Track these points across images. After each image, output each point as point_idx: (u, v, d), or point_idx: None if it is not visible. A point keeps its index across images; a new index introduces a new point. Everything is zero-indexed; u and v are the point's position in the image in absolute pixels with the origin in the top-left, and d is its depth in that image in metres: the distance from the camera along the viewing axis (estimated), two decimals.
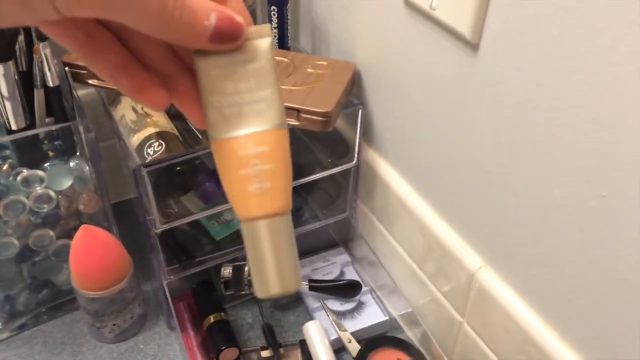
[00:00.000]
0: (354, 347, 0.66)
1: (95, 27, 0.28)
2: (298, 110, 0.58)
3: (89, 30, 0.28)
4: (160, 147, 0.59)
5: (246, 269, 0.68)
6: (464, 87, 0.50)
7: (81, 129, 0.62)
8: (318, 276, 0.74)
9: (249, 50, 0.29)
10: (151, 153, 0.58)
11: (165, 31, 0.26)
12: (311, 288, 0.71)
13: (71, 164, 0.64)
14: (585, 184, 0.41)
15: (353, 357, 0.65)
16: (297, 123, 0.59)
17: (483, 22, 0.45)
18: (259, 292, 0.29)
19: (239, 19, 0.27)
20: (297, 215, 0.76)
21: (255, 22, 0.72)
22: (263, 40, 0.29)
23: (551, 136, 0.42)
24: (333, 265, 0.76)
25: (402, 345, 0.65)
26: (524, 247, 0.49)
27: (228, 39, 0.27)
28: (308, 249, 0.78)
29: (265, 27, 0.29)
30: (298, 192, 0.76)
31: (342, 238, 0.80)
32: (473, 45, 0.47)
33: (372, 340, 0.66)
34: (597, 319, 0.44)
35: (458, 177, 0.55)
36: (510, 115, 0.46)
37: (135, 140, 0.60)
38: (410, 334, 0.70)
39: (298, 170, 0.69)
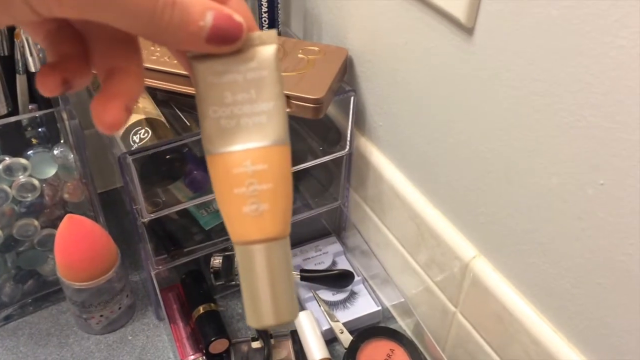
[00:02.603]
0: (346, 338, 0.65)
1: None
2: (288, 97, 0.56)
3: (62, 24, 0.26)
4: (146, 135, 0.57)
5: (236, 259, 0.66)
6: (459, 73, 0.48)
7: (65, 115, 0.60)
8: (310, 266, 0.73)
9: (251, 57, 0.26)
10: (137, 140, 0.57)
11: (155, 33, 0.24)
12: (303, 278, 0.70)
13: (55, 152, 0.62)
14: (583, 171, 0.40)
15: (345, 348, 0.64)
16: (287, 110, 0.57)
17: (478, 4, 0.43)
18: (251, 321, 0.27)
19: (239, 18, 0.25)
20: None
21: None
22: (267, 47, 0.26)
23: (549, 122, 0.41)
24: (325, 255, 0.75)
25: (395, 335, 0.65)
26: (520, 236, 0.48)
27: (227, 40, 0.25)
28: (300, 238, 0.77)
29: (271, 34, 0.26)
30: None
31: (335, 227, 0.79)
32: (468, 29, 0.45)
33: (365, 331, 0.65)
34: (593, 309, 0.43)
35: (452, 165, 0.54)
36: (506, 101, 0.45)
37: None
38: (403, 324, 0.69)
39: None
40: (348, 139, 0.67)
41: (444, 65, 0.50)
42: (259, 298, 0.27)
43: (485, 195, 0.51)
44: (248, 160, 0.26)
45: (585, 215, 0.41)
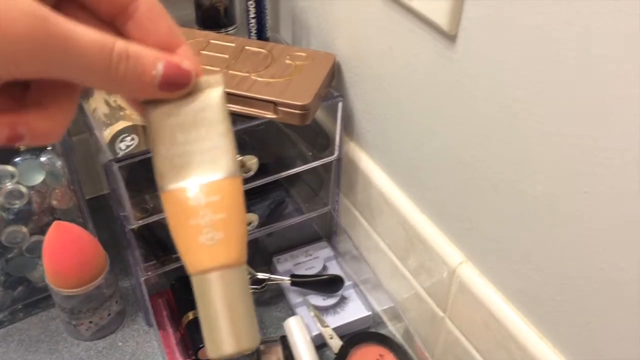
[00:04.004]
0: (335, 344, 0.65)
1: None
2: (275, 103, 0.56)
3: None
4: (133, 141, 0.57)
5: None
6: (443, 80, 0.48)
7: None
8: (300, 271, 0.73)
9: (200, 99, 0.28)
10: (123, 147, 0.57)
11: (111, 84, 0.25)
12: (293, 283, 0.70)
13: (42, 159, 0.62)
14: (567, 179, 0.40)
15: (335, 354, 0.64)
16: (274, 116, 0.57)
17: (460, 12, 0.43)
18: (211, 351, 0.27)
19: (187, 65, 0.27)
20: (281, 208, 0.75)
21: (233, 12, 0.70)
22: (215, 90, 0.28)
23: (531, 130, 0.41)
24: (316, 260, 0.75)
25: (385, 341, 0.65)
26: (505, 242, 0.48)
27: (177, 86, 0.27)
28: (290, 243, 0.77)
29: (217, 77, 0.29)
30: (281, 185, 0.75)
31: (325, 232, 0.79)
32: (450, 37, 0.45)
33: (354, 336, 0.65)
34: (577, 316, 0.43)
35: (438, 171, 0.54)
36: (489, 108, 0.44)
37: (107, 134, 0.58)
38: (393, 329, 0.69)
39: (280, 163, 0.67)
40: (337, 144, 0.67)
41: (427, 72, 0.50)
42: (217, 327, 0.27)
43: (469, 202, 0.51)
44: (201, 193, 0.27)
45: (569, 223, 0.41)
